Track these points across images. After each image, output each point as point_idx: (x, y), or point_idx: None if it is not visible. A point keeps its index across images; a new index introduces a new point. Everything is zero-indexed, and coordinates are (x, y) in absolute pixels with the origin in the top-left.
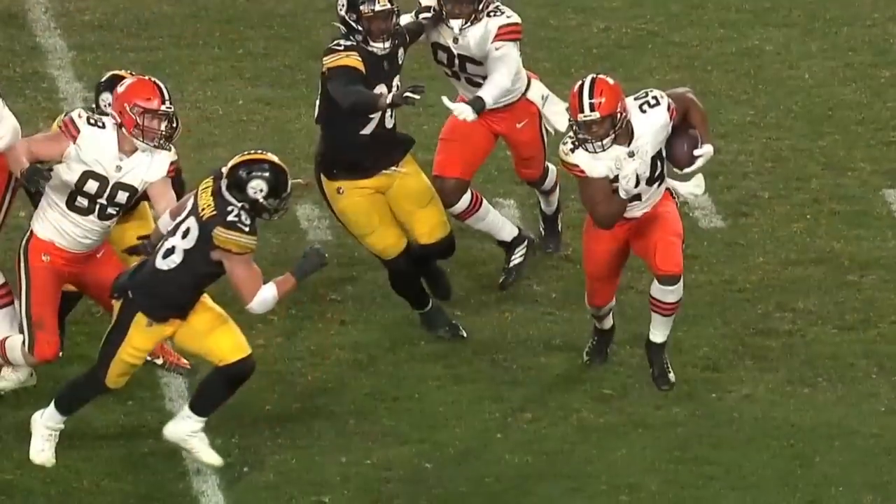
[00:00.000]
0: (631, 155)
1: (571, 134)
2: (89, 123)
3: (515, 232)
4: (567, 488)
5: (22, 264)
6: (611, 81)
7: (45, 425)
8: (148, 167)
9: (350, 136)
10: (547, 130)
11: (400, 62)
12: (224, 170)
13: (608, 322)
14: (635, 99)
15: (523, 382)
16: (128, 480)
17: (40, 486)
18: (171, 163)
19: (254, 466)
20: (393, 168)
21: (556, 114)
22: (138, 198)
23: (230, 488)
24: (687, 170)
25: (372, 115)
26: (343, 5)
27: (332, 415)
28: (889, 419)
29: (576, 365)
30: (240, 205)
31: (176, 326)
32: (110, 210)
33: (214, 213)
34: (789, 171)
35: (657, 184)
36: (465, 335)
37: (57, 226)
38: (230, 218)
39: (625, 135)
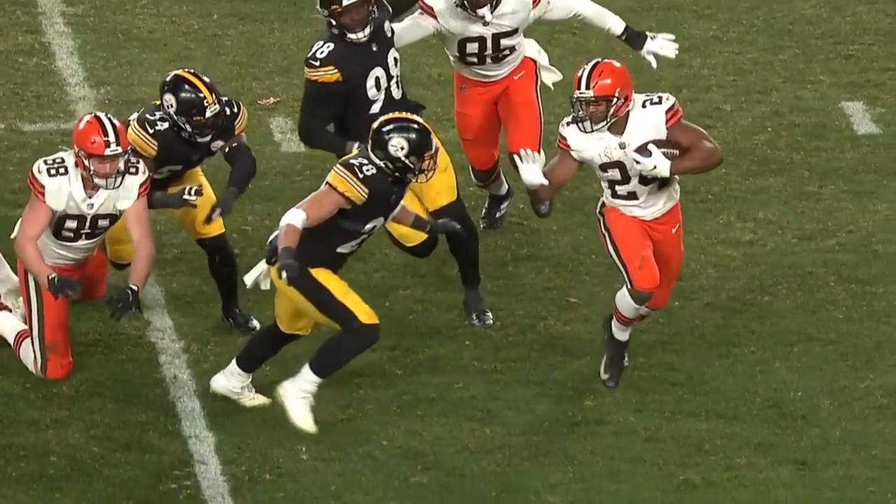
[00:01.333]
0: (622, 146)
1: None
2: (50, 174)
3: (507, 187)
4: (534, 394)
5: (31, 289)
6: (617, 65)
7: (301, 390)
8: (118, 196)
9: (361, 118)
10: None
11: (389, 35)
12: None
13: (627, 333)
14: (646, 95)
15: (492, 291)
16: (106, 386)
17: (20, 391)
18: (142, 184)
19: (223, 365)
20: None
21: (548, 69)
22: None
23: (206, 395)
24: (630, 155)
25: (374, 99)
26: (317, 1)
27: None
28: (846, 326)
29: (542, 275)
30: (381, 163)
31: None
32: (98, 232)
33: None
34: (751, 84)
35: (655, 187)
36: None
37: (52, 252)
38: (352, 160)
39: (621, 125)
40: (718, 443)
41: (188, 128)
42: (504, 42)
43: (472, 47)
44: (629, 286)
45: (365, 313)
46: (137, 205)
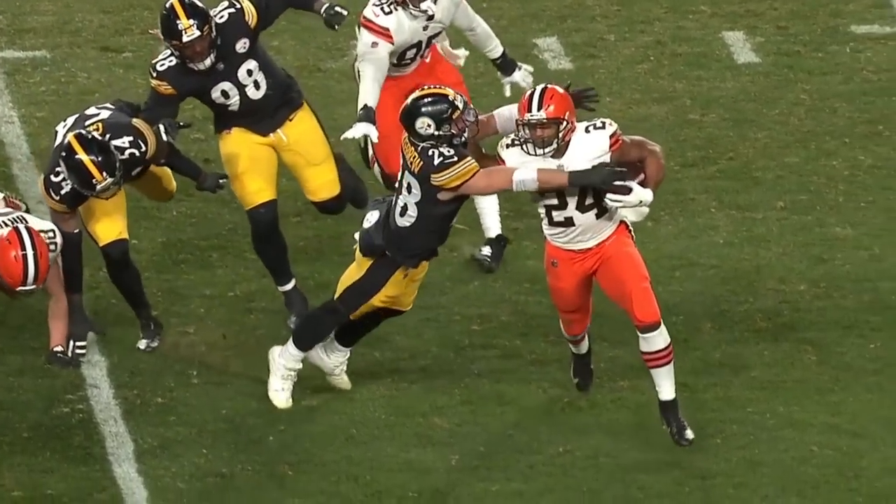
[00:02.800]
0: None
1: (514, 135)
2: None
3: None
4: (421, 318)
5: None
6: (561, 91)
7: (285, 366)
8: None
9: (221, 109)
10: None
11: (243, 52)
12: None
13: (584, 346)
14: (588, 122)
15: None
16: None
17: None
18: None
19: (122, 300)
20: (275, 132)
21: (452, 53)
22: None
23: (98, 319)
24: (608, 199)
25: (225, 103)
26: (160, 31)
27: (197, 248)
28: (727, 251)
29: None
30: (430, 144)
31: (425, 268)
32: None
33: (421, 163)
34: (634, 14)
35: (592, 214)
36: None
37: None
38: (436, 162)
39: (562, 149)
40: (602, 365)
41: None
42: (435, 40)
43: (410, 53)
44: None
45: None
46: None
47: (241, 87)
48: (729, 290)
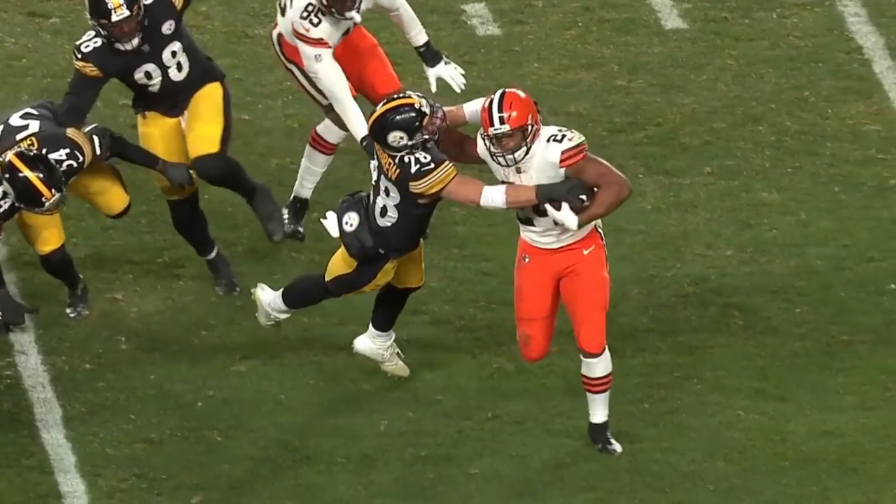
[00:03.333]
0: (518, 171)
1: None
2: None
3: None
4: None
5: None
6: (521, 94)
7: (271, 309)
8: None
9: (142, 90)
10: None
11: (168, 33)
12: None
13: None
14: (557, 129)
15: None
16: None
17: None
18: None
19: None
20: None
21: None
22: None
23: (25, 285)
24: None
25: (148, 84)
26: (87, 10)
27: (125, 216)
28: (654, 216)
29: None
30: (404, 152)
31: (422, 247)
32: None
33: (398, 170)
34: None
35: (551, 219)
36: (237, 292)
37: None
38: (413, 170)
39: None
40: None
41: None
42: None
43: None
44: None
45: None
46: None
47: (164, 69)
48: (656, 256)
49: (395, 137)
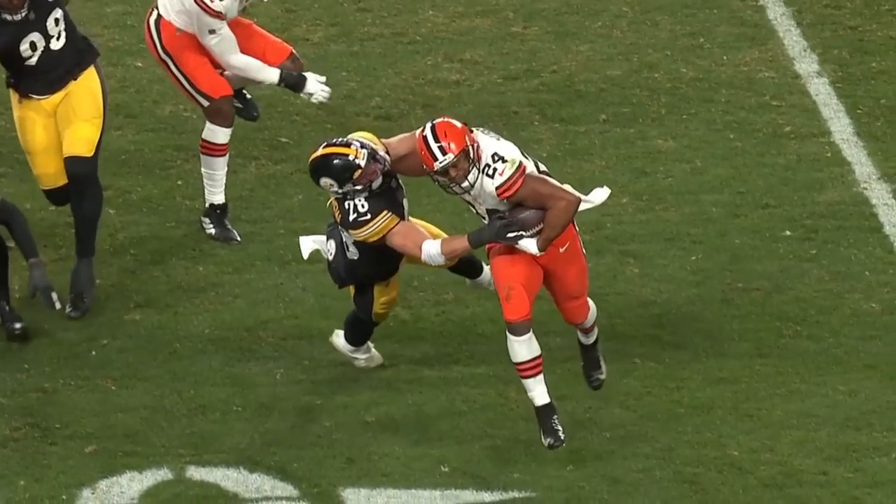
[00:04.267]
0: (475, 199)
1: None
2: None
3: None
4: (247, 232)
5: None
6: (452, 121)
7: (351, 354)
8: None
9: (19, 65)
10: None
11: (51, 1)
12: None
13: (535, 391)
14: (491, 157)
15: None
16: None
17: None
18: None
19: None
20: (60, 91)
21: None
22: None
23: None
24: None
25: (30, 56)
26: None
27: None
28: (550, 164)
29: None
30: (347, 197)
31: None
32: None
33: (339, 214)
34: None
35: None
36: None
37: None
38: (350, 218)
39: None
40: (427, 279)
41: None
42: None
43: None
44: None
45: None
46: None
47: (47, 38)
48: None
49: (326, 183)
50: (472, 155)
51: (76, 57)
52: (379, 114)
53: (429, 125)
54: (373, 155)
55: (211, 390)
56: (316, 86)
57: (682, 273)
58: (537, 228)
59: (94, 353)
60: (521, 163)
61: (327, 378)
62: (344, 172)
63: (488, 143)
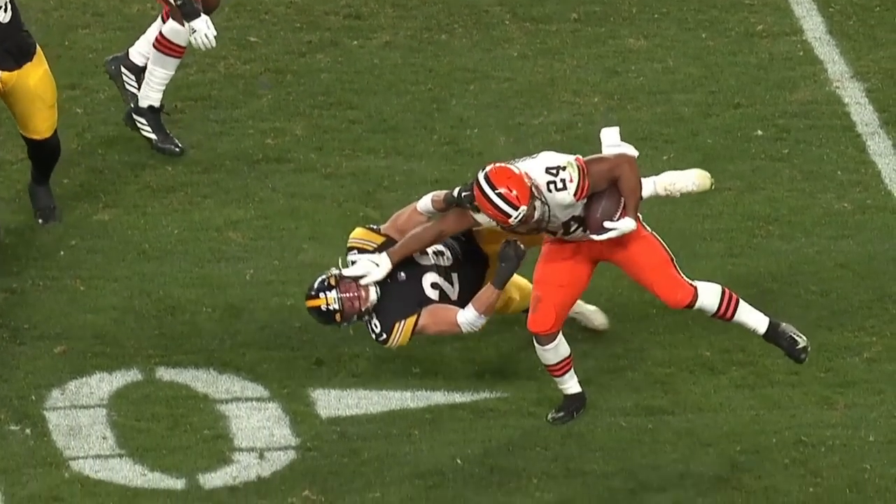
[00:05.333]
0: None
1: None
2: None
3: None
4: (215, 132)
5: None
6: (499, 166)
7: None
8: None
9: None
10: None
11: None
12: None
13: (568, 384)
14: (547, 173)
15: None
16: None
17: None
18: None
19: None
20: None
21: None
22: None
23: None
24: (595, 237)
25: None
26: None
27: None
28: (521, 63)
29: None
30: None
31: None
32: None
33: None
34: None
35: (579, 232)
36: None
37: None
38: (374, 337)
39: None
40: (398, 179)
41: None
42: None
43: None
44: None
45: None
46: None
47: None
48: (523, 103)
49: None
50: (536, 196)
51: (19, 35)
52: (348, 13)
53: (482, 179)
54: (346, 287)
55: (180, 291)
56: (203, 27)
57: (654, 172)
58: (621, 207)
59: (62, 253)
60: (574, 160)
61: (297, 279)
62: (330, 320)
63: (531, 165)
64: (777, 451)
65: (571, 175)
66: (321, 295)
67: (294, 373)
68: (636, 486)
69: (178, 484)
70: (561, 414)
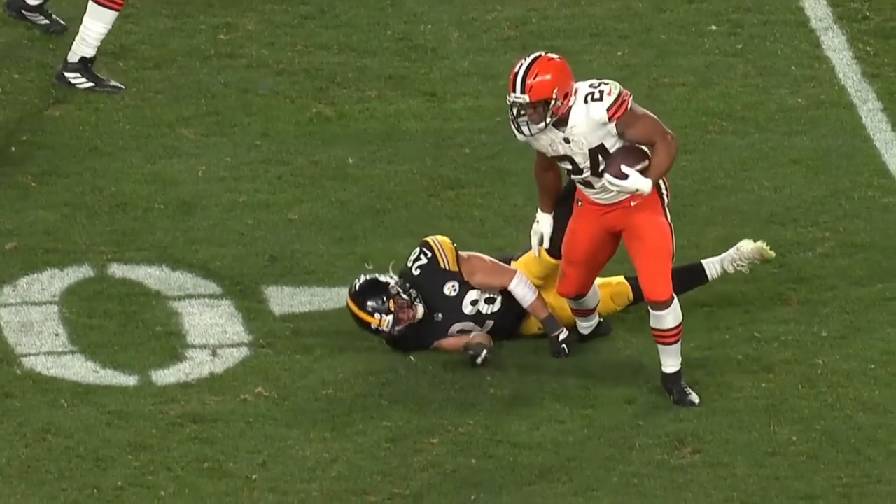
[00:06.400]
0: (567, 141)
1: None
2: None
3: None
4: (167, 28)
5: None
6: (556, 60)
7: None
8: None
9: None
10: None
11: None
12: None
13: (585, 325)
14: (589, 86)
15: None
16: None
17: None
18: None
19: None
20: None
21: None
22: None
23: None
24: (610, 179)
25: None
26: None
27: None
28: None
29: None
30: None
31: None
32: None
33: None
34: None
35: (590, 174)
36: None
37: None
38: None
39: (563, 119)
40: (350, 75)
41: None
42: None
43: None
44: None
45: None
46: None
47: None
48: None
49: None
50: (550, 109)
51: None
52: None
53: (534, 55)
54: (401, 309)
55: (132, 187)
56: None
57: (609, 69)
58: (643, 166)
59: (13, 148)
60: (622, 89)
61: (250, 175)
62: (370, 333)
63: (584, 84)
64: (730, 348)
65: (611, 90)
66: (376, 315)
67: (247, 270)
68: (590, 382)
69: (131, 380)
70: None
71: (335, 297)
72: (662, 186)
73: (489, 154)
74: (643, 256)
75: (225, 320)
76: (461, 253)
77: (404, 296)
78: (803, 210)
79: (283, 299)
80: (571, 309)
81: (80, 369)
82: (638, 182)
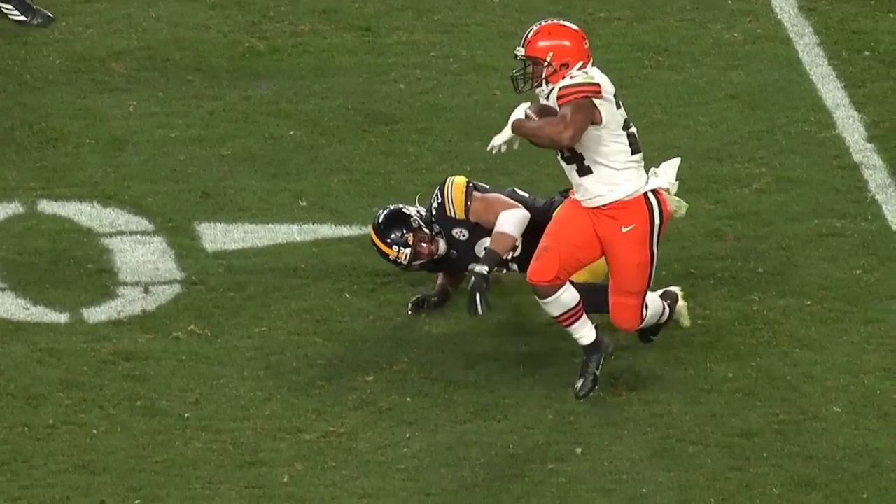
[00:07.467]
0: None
1: None
2: None
3: None
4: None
5: None
6: (569, 28)
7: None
8: None
9: None
10: None
11: None
12: None
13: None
14: (580, 69)
15: None
16: None
17: None
18: None
19: None
20: None
21: None
22: None
23: None
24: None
25: None
26: None
27: None
28: None
29: None
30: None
31: None
32: None
33: None
34: None
35: (573, 168)
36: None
37: None
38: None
39: (546, 93)
40: (283, 9)
41: None
42: None
43: None
44: None
45: None
46: None
47: None
48: None
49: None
50: (539, 71)
51: None
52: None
53: (554, 20)
54: (420, 244)
55: (63, 122)
56: None
57: (542, 3)
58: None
59: None
60: (598, 84)
61: (181, 110)
62: (389, 263)
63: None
64: (666, 284)
65: (577, 78)
66: (394, 248)
67: (179, 206)
68: (525, 319)
69: (62, 318)
70: (582, 381)
71: (268, 234)
72: (657, 216)
73: (424, 89)
74: (619, 287)
75: (157, 257)
76: (475, 194)
77: (426, 229)
78: (740, 145)
79: (216, 236)
80: (558, 320)
81: (11, 306)
82: (516, 113)
